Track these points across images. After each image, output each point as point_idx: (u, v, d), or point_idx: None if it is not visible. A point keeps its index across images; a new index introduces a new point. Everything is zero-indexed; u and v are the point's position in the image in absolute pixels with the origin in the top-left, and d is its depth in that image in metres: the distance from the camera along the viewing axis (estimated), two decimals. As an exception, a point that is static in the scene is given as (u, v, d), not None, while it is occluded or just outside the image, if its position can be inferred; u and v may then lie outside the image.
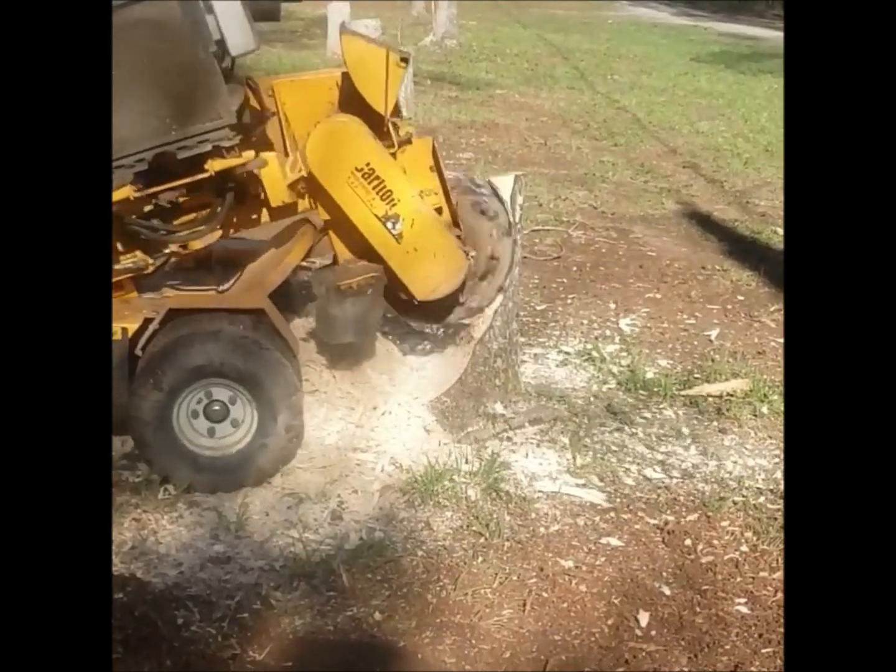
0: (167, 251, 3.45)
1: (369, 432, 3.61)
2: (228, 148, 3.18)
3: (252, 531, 3.15)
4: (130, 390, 3.24)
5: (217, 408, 3.30)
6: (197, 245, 3.41)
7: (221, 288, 3.50)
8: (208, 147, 3.14)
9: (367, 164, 3.32)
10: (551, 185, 7.99)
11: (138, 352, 3.26)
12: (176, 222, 3.40)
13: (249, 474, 3.34)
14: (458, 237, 3.56)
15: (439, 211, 3.54)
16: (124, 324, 3.27)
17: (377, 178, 3.33)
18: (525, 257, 6.04)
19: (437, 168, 3.52)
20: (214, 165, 3.19)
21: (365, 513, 3.27)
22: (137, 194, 3.19)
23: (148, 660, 2.56)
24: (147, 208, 3.30)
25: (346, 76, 3.40)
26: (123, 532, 3.09)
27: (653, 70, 15.12)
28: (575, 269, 6.01)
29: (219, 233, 3.41)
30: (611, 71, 14.74)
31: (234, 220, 3.51)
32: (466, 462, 3.55)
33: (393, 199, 3.36)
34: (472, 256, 3.60)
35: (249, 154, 3.26)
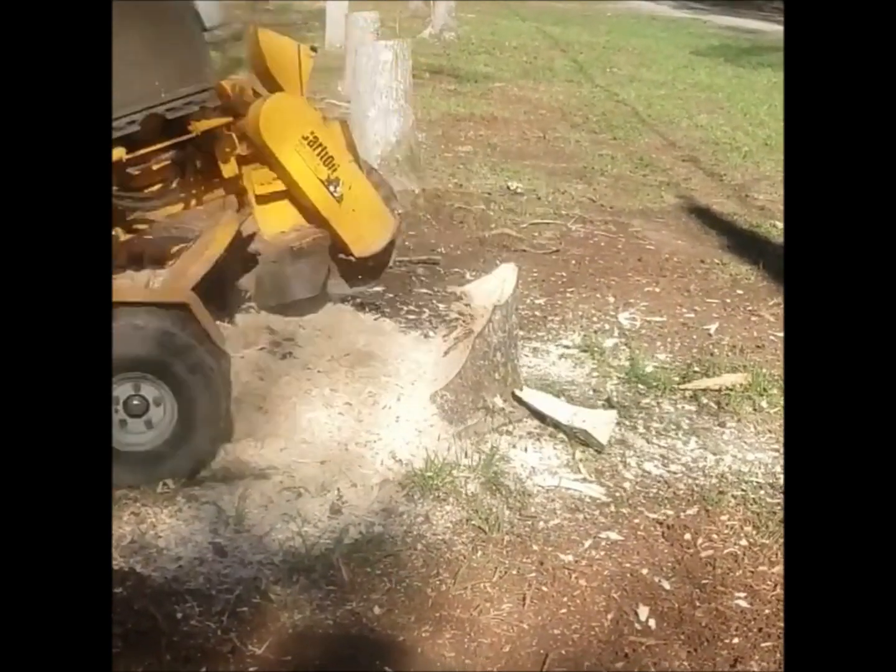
0: (133, 217, 3.56)
1: (368, 426, 3.60)
2: (212, 109, 3.39)
3: (251, 525, 3.15)
4: None
5: (136, 402, 3.18)
6: (156, 217, 3.65)
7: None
8: (195, 108, 3.32)
9: (312, 133, 3.65)
10: (550, 178, 7.98)
11: None
12: (140, 190, 3.54)
13: (205, 437, 3.27)
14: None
15: None
16: None
17: (320, 145, 3.67)
18: (524, 251, 6.06)
19: (351, 147, 3.88)
20: (199, 126, 3.40)
21: (364, 507, 3.27)
22: (129, 156, 3.27)
23: (147, 654, 2.56)
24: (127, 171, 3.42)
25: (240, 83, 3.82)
26: (122, 526, 3.08)
27: (652, 63, 15.08)
28: (574, 262, 6.01)
29: (178, 206, 3.65)
30: (610, 64, 14.71)
31: (190, 193, 3.70)
32: (466, 456, 3.55)
33: (334, 164, 3.70)
34: (398, 214, 4.02)
35: (228, 117, 3.49)
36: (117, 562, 2.91)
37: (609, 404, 4.11)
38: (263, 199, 3.79)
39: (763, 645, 2.75)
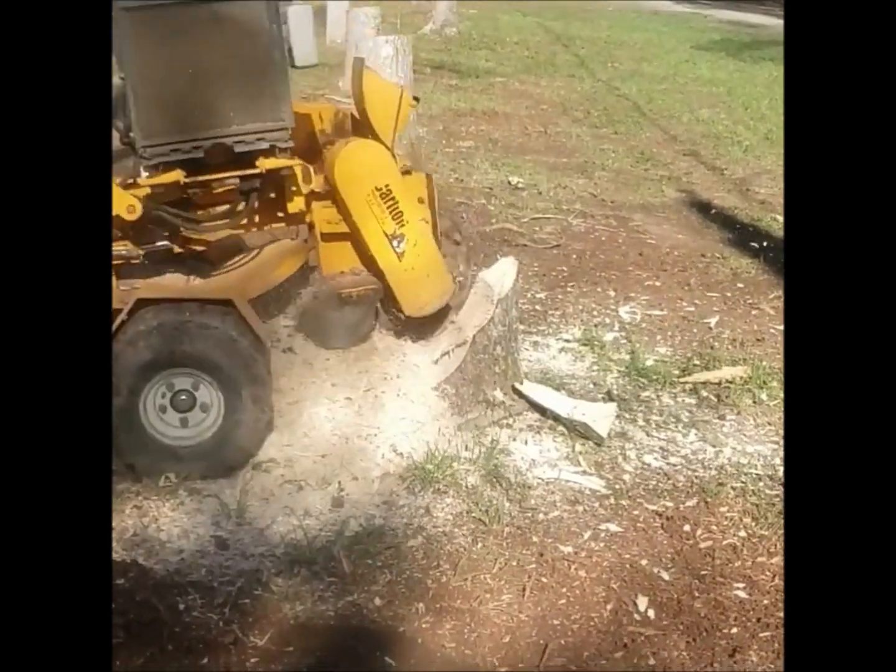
0: (160, 244, 3.49)
1: (369, 420, 3.62)
2: (282, 149, 3.35)
3: (252, 518, 3.17)
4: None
5: (183, 397, 3.30)
6: (209, 238, 3.58)
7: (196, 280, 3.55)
8: (265, 145, 3.31)
9: (387, 185, 3.63)
10: (551, 173, 7.98)
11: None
12: (199, 213, 3.50)
13: (232, 455, 3.35)
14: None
15: None
16: None
17: (393, 199, 3.65)
18: (525, 245, 6.07)
19: (432, 201, 3.82)
20: (265, 164, 3.35)
21: (365, 499, 3.28)
22: (187, 179, 3.29)
23: (150, 645, 2.58)
24: (173, 198, 3.39)
25: (328, 110, 3.81)
26: (125, 519, 3.11)
27: (653, 58, 15.07)
28: (574, 257, 6.02)
29: (237, 231, 3.60)
30: (611, 59, 14.70)
31: (251, 219, 3.65)
32: (466, 449, 3.57)
33: (403, 220, 3.68)
34: (458, 280, 3.91)
35: (296, 160, 3.44)
36: (120, 554, 2.94)
37: (609, 397, 4.12)
38: (328, 238, 3.77)
39: (762, 635, 2.76)
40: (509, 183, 7.56)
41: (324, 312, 3.67)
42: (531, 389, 3.94)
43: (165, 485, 3.28)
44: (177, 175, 3.26)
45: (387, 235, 3.66)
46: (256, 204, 3.51)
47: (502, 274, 3.89)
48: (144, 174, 3.39)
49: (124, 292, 3.41)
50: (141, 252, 3.45)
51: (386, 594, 2.86)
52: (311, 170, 3.57)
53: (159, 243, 3.50)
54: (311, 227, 3.77)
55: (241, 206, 3.49)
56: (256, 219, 3.67)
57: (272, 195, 3.59)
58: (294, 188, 3.55)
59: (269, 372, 3.42)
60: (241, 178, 3.37)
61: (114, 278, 3.46)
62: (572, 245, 6.23)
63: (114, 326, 3.24)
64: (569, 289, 5.46)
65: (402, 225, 3.67)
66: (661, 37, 17.72)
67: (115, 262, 3.45)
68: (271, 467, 3.39)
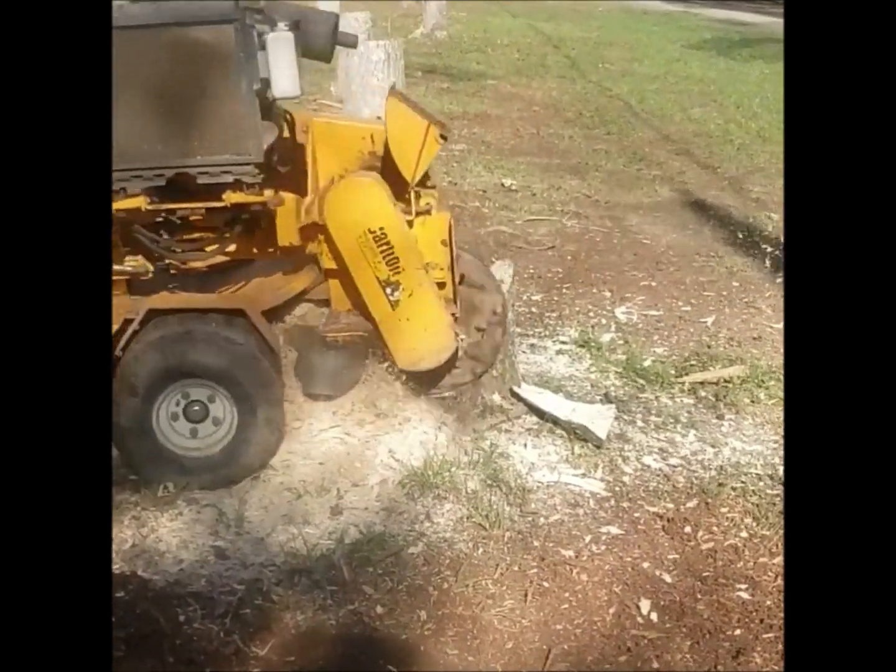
0: (167, 262, 3.45)
1: (367, 426, 3.61)
2: (250, 184, 3.14)
3: (252, 527, 3.15)
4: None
5: (197, 408, 3.30)
6: (195, 265, 3.43)
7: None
8: (230, 179, 3.11)
9: (381, 229, 3.33)
10: (544, 174, 7.98)
11: (118, 352, 3.24)
12: (185, 237, 3.40)
13: (237, 471, 3.34)
14: (454, 316, 3.57)
15: (441, 286, 3.55)
16: None
17: (387, 243, 3.34)
18: (519, 247, 6.07)
19: (449, 244, 3.53)
20: (232, 198, 3.16)
21: (364, 506, 3.27)
22: (149, 207, 3.16)
23: (150, 657, 2.56)
24: (158, 219, 3.29)
25: (381, 133, 3.46)
26: (123, 530, 3.09)
27: (644, 57, 15.09)
28: (569, 258, 6.01)
29: (219, 258, 3.45)
30: (602, 59, 14.72)
31: (239, 248, 3.48)
32: (465, 453, 3.56)
33: (398, 267, 3.37)
34: (461, 339, 3.61)
35: (269, 194, 3.22)
36: (119, 566, 2.92)
37: (607, 399, 4.11)
38: (332, 274, 3.55)
39: (765, 636, 2.75)
40: (503, 185, 7.56)
41: (306, 356, 3.54)
42: (529, 392, 3.93)
43: (164, 495, 3.26)
44: (139, 202, 3.13)
45: (380, 282, 3.38)
46: (233, 235, 3.36)
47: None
48: None
49: (135, 302, 3.39)
50: (150, 268, 3.42)
51: (387, 602, 2.84)
52: (306, 203, 3.42)
53: (128, 266, 3.42)
54: (318, 259, 3.58)
55: (227, 235, 3.37)
56: (251, 248, 3.51)
57: (269, 226, 3.41)
58: (286, 220, 3.36)
59: (280, 376, 3.41)
60: (208, 210, 3.23)
61: (124, 293, 3.45)
62: (567, 246, 6.23)
63: (126, 336, 3.23)
64: (564, 290, 5.45)
65: (398, 272, 3.37)
66: (651, 36, 17.76)
67: (124, 278, 3.44)
68: (270, 476, 3.37)
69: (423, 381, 3.70)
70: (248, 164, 3.08)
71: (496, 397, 3.90)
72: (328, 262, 3.51)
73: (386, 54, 6.93)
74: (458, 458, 3.52)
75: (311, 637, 2.70)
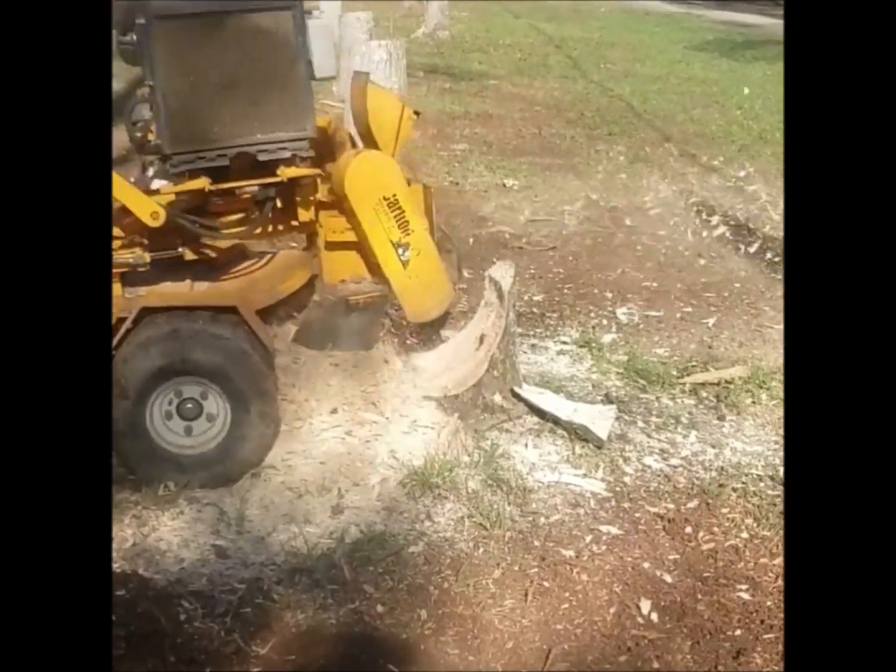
0: (175, 252, 3.51)
1: (368, 426, 3.61)
2: (304, 158, 3.43)
3: (253, 526, 3.15)
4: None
5: (190, 405, 3.31)
6: (222, 245, 3.66)
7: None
8: (287, 154, 3.37)
9: (394, 195, 3.69)
10: (546, 174, 7.98)
11: (112, 351, 3.24)
12: (211, 221, 3.53)
13: (234, 467, 3.34)
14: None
15: None
16: None
17: (399, 208, 3.70)
18: (521, 248, 6.06)
19: (429, 212, 3.91)
20: (287, 172, 3.42)
21: (365, 506, 3.27)
22: (212, 187, 3.34)
23: (151, 656, 2.56)
24: (186, 206, 3.43)
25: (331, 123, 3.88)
26: (124, 529, 3.09)
27: (646, 58, 15.07)
28: (571, 258, 6.01)
29: (248, 239, 3.69)
30: (604, 59, 14.69)
31: (263, 228, 3.71)
32: (466, 453, 3.56)
33: (409, 229, 3.73)
34: (458, 288, 3.96)
35: (316, 170, 3.54)
36: (119, 564, 2.92)
37: (608, 399, 4.11)
38: (332, 246, 3.83)
39: (765, 637, 2.76)
40: (504, 185, 7.55)
41: (330, 319, 3.69)
42: (530, 393, 3.94)
43: (164, 494, 3.27)
44: (202, 182, 3.32)
45: (393, 244, 3.71)
46: (270, 213, 3.56)
47: (500, 277, 3.88)
48: (160, 182, 3.44)
49: (129, 300, 3.40)
50: (147, 260, 3.44)
51: (388, 601, 2.84)
52: (318, 179, 3.64)
53: (175, 250, 3.52)
54: (312, 235, 3.84)
55: (255, 215, 3.53)
56: (270, 227, 3.74)
57: (286, 205, 3.65)
58: (308, 196, 3.63)
59: (272, 370, 3.43)
60: (260, 186, 3.42)
61: (119, 286, 3.46)
62: (568, 247, 6.23)
63: (119, 335, 3.23)
64: (565, 291, 5.45)
65: (408, 234, 3.72)
66: (653, 37, 17.73)
67: (121, 270, 3.45)
68: (271, 475, 3.38)
69: (429, 329, 3.95)
70: (303, 139, 3.37)
71: (497, 397, 3.89)
72: (331, 236, 3.81)
73: (388, 54, 6.93)
74: (458, 458, 3.52)
75: (312, 636, 2.71)
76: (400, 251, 3.72)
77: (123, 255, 3.40)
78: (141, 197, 3.30)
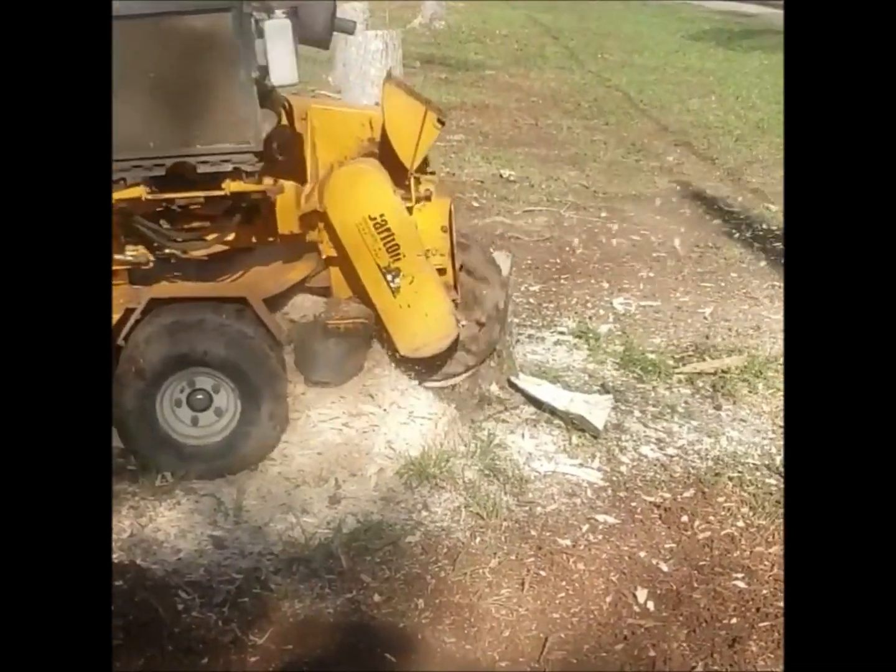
0: (168, 252, 3.46)
1: (365, 416, 3.61)
2: (249, 172, 3.16)
3: (250, 516, 3.16)
4: (113, 378, 3.23)
5: (200, 397, 3.31)
6: (196, 254, 3.45)
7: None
8: (229, 167, 3.12)
9: (381, 215, 3.33)
10: (542, 165, 7.98)
11: (120, 342, 3.25)
12: (185, 226, 3.41)
13: (233, 462, 3.35)
14: (454, 302, 3.57)
15: (442, 272, 3.56)
16: None
17: (388, 230, 3.34)
18: (517, 238, 6.07)
19: (450, 230, 3.54)
20: (231, 186, 3.18)
21: (362, 496, 3.28)
22: (149, 196, 3.17)
23: (149, 645, 2.57)
24: (158, 209, 3.31)
25: (379, 119, 3.46)
26: (121, 520, 3.09)
27: (643, 48, 15.06)
28: (567, 249, 6.01)
29: (219, 246, 3.45)
30: (601, 50, 14.69)
31: (238, 237, 3.48)
32: (463, 443, 3.56)
33: (399, 254, 3.37)
34: (462, 325, 3.61)
35: (268, 182, 3.25)
36: (117, 555, 2.92)
37: (605, 389, 4.12)
38: (333, 262, 3.55)
39: (761, 625, 2.76)
40: (501, 176, 7.55)
41: (307, 343, 3.51)
42: (527, 383, 3.94)
43: (162, 484, 3.27)
44: (139, 192, 3.14)
45: (380, 268, 3.38)
46: (233, 223, 3.38)
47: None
48: None
49: (137, 291, 3.39)
50: (151, 258, 3.42)
51: (385, 590, 2.85)
52: (305, 190, 3.43)
53: (129, 255, 3.43)
54: (318, 247, 3.58)
55: (226, 224, 3.39)
56: (251, 237, 3.52)
57: (269, 214, 3.43)
58: (288, 209, 3.38)
59: (285, 371, 3.42)
60: (207, 199, 3.24)
61: (125, 282, 3.45)
62: (565, 237, 6.23)
63: (128, 325, 3.23)
64: (562, 281, 5.46)
65: (398, 259, 3.37)
66: (650, 27, 17.72)
67: (125, 268, 3.44)
68: (268, 465, 3.38)
69: (423, 369, 3.69)
70: (247, 152, 3.09)
71: (494, 387, 3.90)
72: (328, 250, 3.52)
73: (384, 44, 6.91)
74: (455, 448, 3.52)
75: (309, 625, 2.71)
76: (389, 277, 3.39)
77: (127, 254, 3.40)
78: None
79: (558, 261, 5.78)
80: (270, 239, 3.50)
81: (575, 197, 7.13)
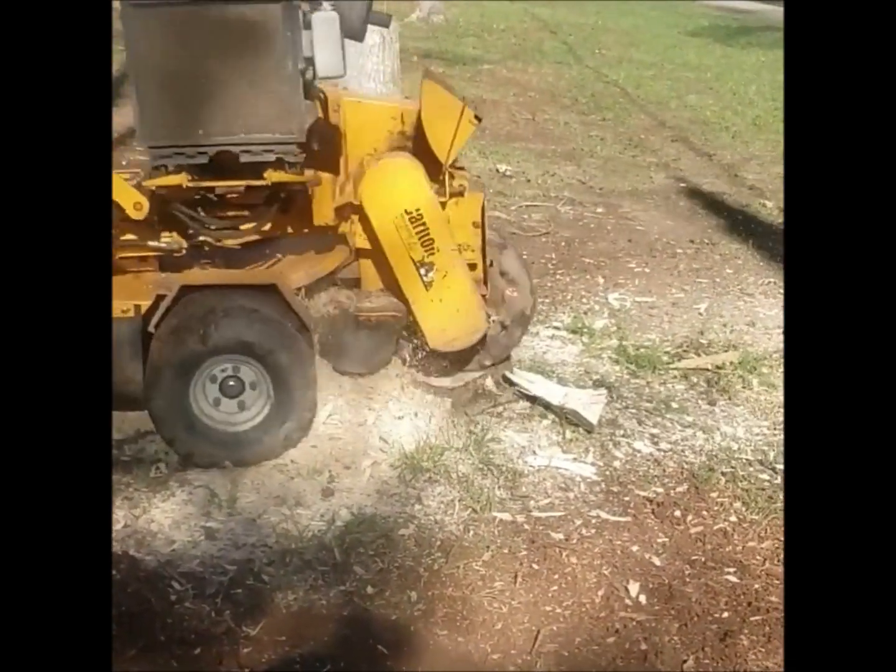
0: (201, 240, 3.45)
1: (359, 409, 3.62)
2: (291, 163, 3.18)
3: (244, 508, 3.16)
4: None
5: (232, 383, 3.29)
6: (229, 242, 3.45)
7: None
8: (272, 157, 3.15)
9: (417, 210, 3.40)
10: (539, 160, 7.98)
11: (151, 329, 3.24)
12: (220, 215, 3.41)
13: (253, 453, 3.34)
14: (483, 297, 3.62)
15: (472, 267, 3.60)
16: (138, 301, 3.27)
17: (423, 224, 3.41)
18: (513, 233, 6.07)
19: (482, 225, 3.59)
20: (273, 176, 3.21)
21: (356, 489, 3.28)
22: (190, 184, 3.19)
23: (142, 636, 2.57)
24: (196, 196, 3.31)
25: (415, 112, 3.47)
26: (115, 511, 3.10)
27: (641, 44, 15.06)
28: (563, 244, 6.02)
29: (251, 235, 3.46)
30: (599, 45, 14.68)
31: (274, 226, 3.50)
32: (457, 437, 3.57)
33: (433, 248, 3.44)
34: (492, 320, 3.67)
35: (309, 173, 3.28)
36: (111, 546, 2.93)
37: (599, 384, 4.12)
38: (364, 254, 3.59)
39: (753, 619, 2.78)
40: (497, 171, 7.55)
41: (337, 334, 3.53)
42: (521, 377, 3.95)
43: (156, 476, 3.28)
44: (180, 179, 3.16)
45: (414, 262, 3.45)
46: (270, 213, 3.41)
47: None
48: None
49: (167, 278, 3.39)
50: (185, 245, 3.41)
51: (378, 582, 2.86)
52: (339, 182, 3.45)
53: (162, 242, 3.44)
54: (349, 239, 3.59)
55: (263, 214, 3.41)
56: (287, 228, 3.54)
57: (305, 205, 3.46)
58: (324, 200, 3.42)
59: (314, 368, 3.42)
60: (247, 188, 3.26)
61: (155, 269, 3.46)
62: (561, 232, 6.23)
63: (159, 312, 3.23)
64: (558, 276, 5.46)
65: (432, 253, 3.43)
66: (648, 23, 17.72)
67: (157, 254, 3.44)
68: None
69: (452, 363, 3.73)
70: (291, 143, 3.13)
71: (489, 382, 3.91)
72: (361, 242, 3.55)
73: (381, 38, 6.87)
74: (449, 442, 3.53)
75: (303, 617, 2.72)
76: (422, 271, 3.45)
77: (162, 240, 3.39)
78: (125, 187, 3.23)
79: (554, 256, 5.79)
80: (305, 230, 3.53)
81: (571, 192, 7.13)
